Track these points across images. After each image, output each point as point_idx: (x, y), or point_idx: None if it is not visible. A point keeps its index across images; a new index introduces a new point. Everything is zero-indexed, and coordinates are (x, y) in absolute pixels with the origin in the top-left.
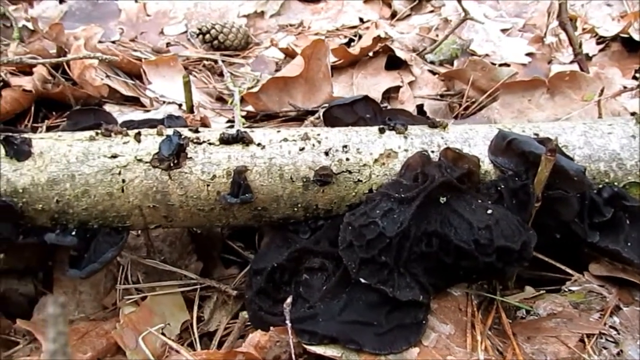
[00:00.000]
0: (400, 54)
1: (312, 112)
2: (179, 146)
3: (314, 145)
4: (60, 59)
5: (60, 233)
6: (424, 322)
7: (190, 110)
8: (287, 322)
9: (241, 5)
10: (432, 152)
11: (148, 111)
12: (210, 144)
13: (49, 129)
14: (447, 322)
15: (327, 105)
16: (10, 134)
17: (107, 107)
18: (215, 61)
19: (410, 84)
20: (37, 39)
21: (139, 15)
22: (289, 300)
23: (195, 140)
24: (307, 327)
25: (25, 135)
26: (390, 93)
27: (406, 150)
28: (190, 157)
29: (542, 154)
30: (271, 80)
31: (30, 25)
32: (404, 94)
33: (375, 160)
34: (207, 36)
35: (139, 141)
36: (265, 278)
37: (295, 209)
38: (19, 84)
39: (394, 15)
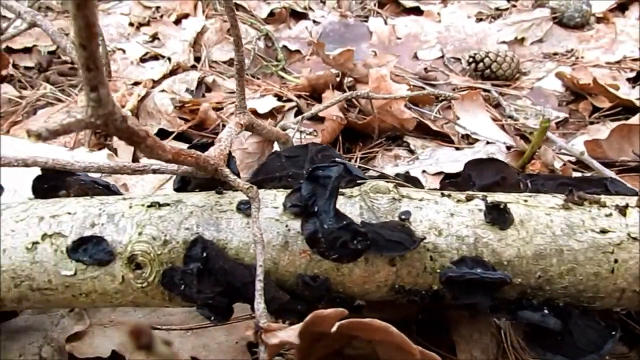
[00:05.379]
0: None
1: None
2: None
3: None
4: (406, 94)
5: (546, 315)
6: None
7: (531, 157)
8: None
9: (500, 30)
10: None
11: (459, 149)
12: None
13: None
14: None
15: None
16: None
17: (410, 141)
18: (487, 91)
19: None
20: (297, 60)
21: (390, 38)
22: None
23: None
24: None
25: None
26: None
27: None
28: None
29: None
30: (617, 127)
31: (289, 46)
32: None
33: None
34: (480, 65)
35: (624, 215)
36: None
37: None
38: (334, 114)
39: None
